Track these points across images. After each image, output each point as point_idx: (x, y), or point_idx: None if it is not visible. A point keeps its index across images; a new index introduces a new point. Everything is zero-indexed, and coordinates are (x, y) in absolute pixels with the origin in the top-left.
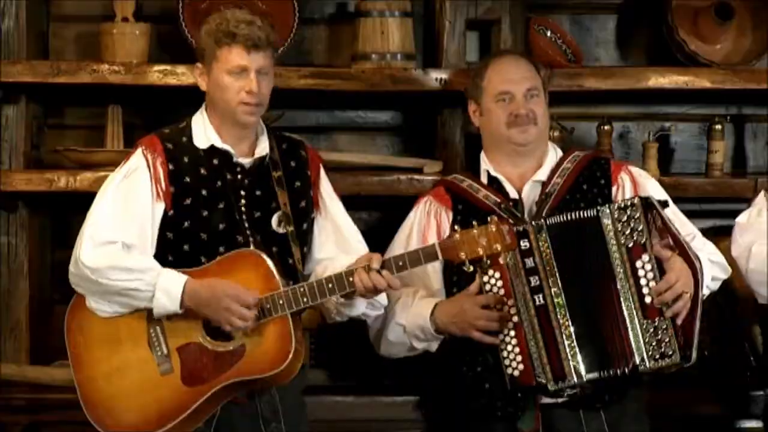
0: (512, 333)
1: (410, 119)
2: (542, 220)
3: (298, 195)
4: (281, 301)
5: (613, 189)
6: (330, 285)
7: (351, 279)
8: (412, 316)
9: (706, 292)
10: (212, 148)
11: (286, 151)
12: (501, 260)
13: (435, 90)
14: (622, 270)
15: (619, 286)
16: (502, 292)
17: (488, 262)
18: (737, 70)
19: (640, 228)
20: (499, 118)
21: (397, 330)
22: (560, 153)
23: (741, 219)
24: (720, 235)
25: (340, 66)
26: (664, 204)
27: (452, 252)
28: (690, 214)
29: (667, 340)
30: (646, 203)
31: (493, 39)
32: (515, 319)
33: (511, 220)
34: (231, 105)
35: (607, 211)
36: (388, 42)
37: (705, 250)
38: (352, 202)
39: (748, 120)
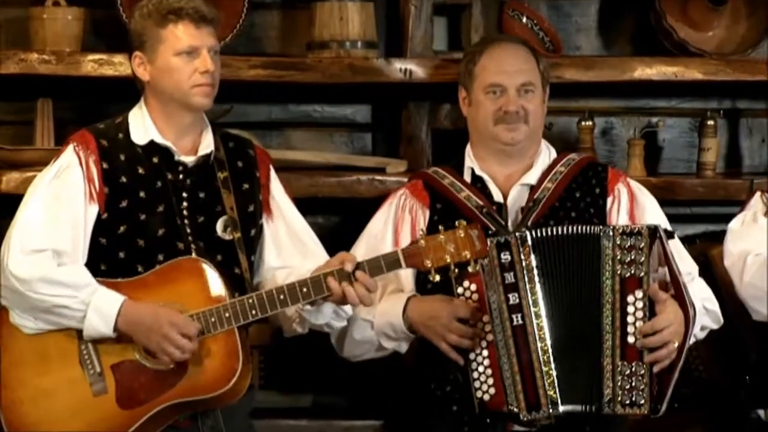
0: (485, 353)
1: (372, 114)
2: (526, 232)
3: (246, 198)
4: (227, 314)
5: (608, 200)
6: (304, 289)
7: (327, 283)
8: (382, 312)
9: (691, 341)
10: (151, 144)
11: (232, 150)
12: (471, 269)
13: (399, 81)
14: (610, 301)
15: (604, 318)
16: (477, 306)
17: (456, 270)
18: (731, 60)
19: (642, 260)
20: (487, 111)
21: (364, 327)
22: (554, 154)
23: (734, 225)
24: (712, 242)
25: (294, 55)
26: (670, 235)
27: (417, 259)
28: (680, 219)
29: (641, 387)
30: (653, 234)
31: (463, 25)
32: (489, 338)
33: (492, 227)
34: (183, 89)
35: (610, 232)
36: (347, 29)
37: (701, 296)
38: (307, 205)
39: (743, 115)
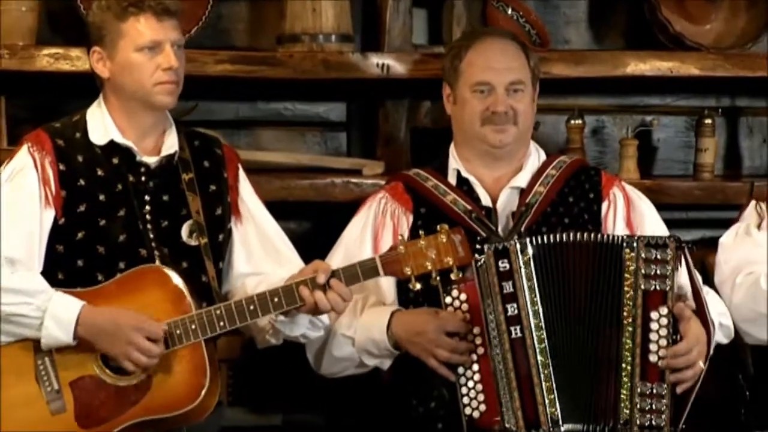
0: (475, 367)
1: (347, 112)
2: (527, 239)
3: (213, 201)
4: (194, 326)
5: (603, 205)
6: (275, 299)
7: (300, 292)
8: (364, 327)
9: None
10: (111, 144)
11: (198, 150)
12: (453, 276)
13: (376, 77)
14: (632, 316)
15: (623, 334)
16: (467, 317)
17: (438, 278)
18: (730, 54)
19: (667, 274)
20: (474, 111)
21: (345, 344)
22: (543, 156)
23: (726, 239)
24: (710, 249)
25: (264, 49)
26: (690, 247)
27: (396, 266)
28: (675, 224)
29: (662, 410)
30: (680, 246)
31: (445, 17)
32: (480, 351)
33: (482, 233)
34: (146, 87)
35: (634, 243)
36: (320, 21)
37: (716, 310)
38: (278, 210)
39: (742, 113)
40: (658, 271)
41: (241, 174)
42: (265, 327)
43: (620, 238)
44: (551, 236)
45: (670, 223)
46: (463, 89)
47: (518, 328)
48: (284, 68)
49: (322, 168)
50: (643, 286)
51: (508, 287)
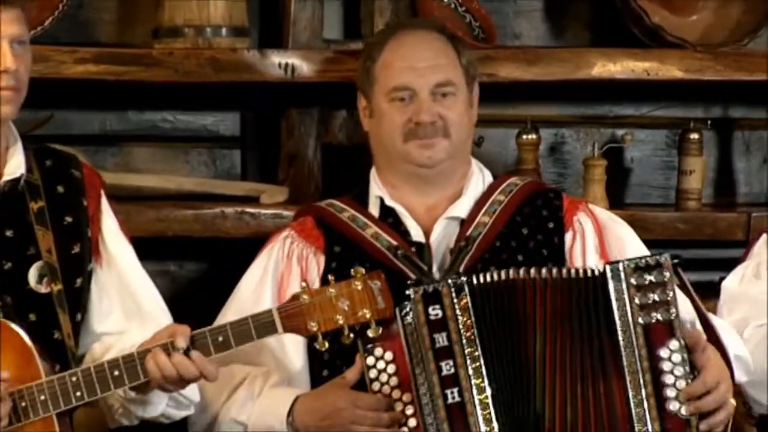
0: None
1: (241, 124)
2: (463, 279)
3: (69, 236)
4: (43, 397)
5: (567, 236)
6: (116, 372)
7: (143, 364)
8: (260, 413)
9: None
10: None
11: (50, 171)
12: (371, 333)
13: (278, 80)
14: (635, 359)
15: (628, 384)
16: (395, 381)
17: (350, 336)
18: (721, 53)
19: (669, 299)
20: (393, 124)
21: (235, 430)
22: (489, 178)
23: (730, 283)
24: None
25: (137, 45)
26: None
27: (298, 321)
28: None
29: None
30: (677, 263)
31: (364, 7)
32: (412, 423)
33: (411, 274)
34: None
35: (621, 270)
36: (208, 10)
37: (731, 342)
38: (153, 247)
39: (737, 126)
40: (657, 298)
41: (104, 203)
42: (114, 405)
43: (597, 270)
44: (494, 275)
45: None
46: (380, 98)
47: (456, 390)
48: (162, 69)
49: (210, 195)
50: (641, 320)
51: (441, 340)
